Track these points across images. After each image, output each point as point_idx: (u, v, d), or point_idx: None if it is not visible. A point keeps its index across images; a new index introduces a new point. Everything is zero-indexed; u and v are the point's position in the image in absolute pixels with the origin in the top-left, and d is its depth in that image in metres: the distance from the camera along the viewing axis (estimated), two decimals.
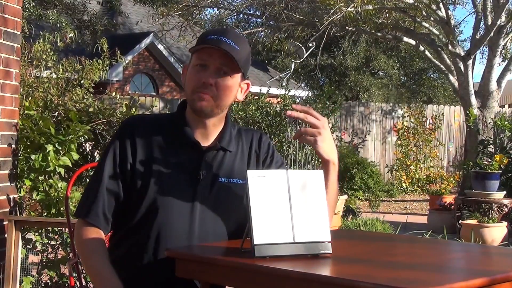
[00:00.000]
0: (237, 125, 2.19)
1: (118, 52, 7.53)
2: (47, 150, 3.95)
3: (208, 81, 1.96)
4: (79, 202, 2.09)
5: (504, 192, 7.97)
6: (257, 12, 13.83)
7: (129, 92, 14.63)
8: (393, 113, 14.63)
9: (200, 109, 2.00)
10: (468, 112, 10.16)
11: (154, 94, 15.35)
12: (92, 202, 2.00)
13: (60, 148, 4.02)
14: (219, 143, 2.05)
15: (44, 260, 4.01)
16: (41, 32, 7.51)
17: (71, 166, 4.13)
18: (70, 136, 4.05)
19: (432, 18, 11.50)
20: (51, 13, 11.62)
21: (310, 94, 12.80)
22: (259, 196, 1.74)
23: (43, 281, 4.00)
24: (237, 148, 2.10)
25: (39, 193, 3.96)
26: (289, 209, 1.75)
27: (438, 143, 14.21)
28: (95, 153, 5.16)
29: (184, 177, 2.00)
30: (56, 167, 3.99)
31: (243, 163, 2.09)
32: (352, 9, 10.19)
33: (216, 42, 1.96)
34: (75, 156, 4.10)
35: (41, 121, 4.07)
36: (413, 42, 11.69)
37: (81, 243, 2.01)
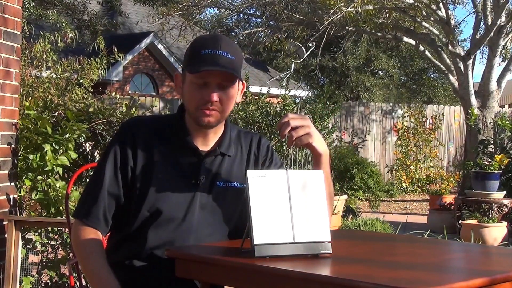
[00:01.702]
0: (236, 127, 2.20)
1: (115, 49, 7.52)
2: (45, 150, 3.95)
3: (212, 98, 1.96)
4: (78, 202, 2.08)
5: (504, 192, 7.96)
6: (257, 12, 13.83)
7: (129, 92, 14.63)
8: (393, 113, 14.63)
9: (207, 126, 2.01)
10: (468, 112, 10.16)
11: (154, 94, 15.36)
12: (92, 204, 2.00)
13: (58, 147, 4.02)
14: (219, 148, 2.07)
15: (44, 260, 4.01)
16: (41, 32, 7.52)
17: (69, 165, 4.12)
18: (67, 135, 4.05)
19: (432, 18, 11.50)
20: (51, 13, 11.62)
21: (310, 94, 12.80)
22: (259, 196, 1.74)
23: (43, 281, 4.00)
24: (236, 152, 2.11)
25: (38, 192, 3.96)
26: (289, 209, 1.75)
27: (438, 143, 14.20)
28: (95, 153, 5.16)
29: (183, 181, 2.01)
30: (54, 166, 3.98)
31: (241, 167, 2.10)
32: (352, 9, 10.19)
33: (213, 58, 1.94)
34: (73, 155, 4.09)
35: (39, 121, 4.07)
36: (413, 42, 11.68)
37: (79, 244, 2.01)
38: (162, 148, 2.02)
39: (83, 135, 4.27)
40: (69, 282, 3.82)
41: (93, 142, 5.08)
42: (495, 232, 7.26)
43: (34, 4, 11.68)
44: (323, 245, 1.74)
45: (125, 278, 1.96)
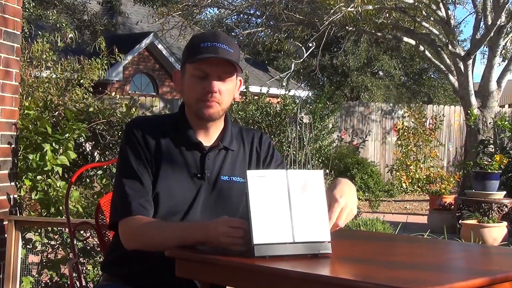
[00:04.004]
0: (238, 125, 2.24)
1: (116, 50, 7.52)
2: (45, 150, 3.95)
3: (213, 89, 2.00)
4: (113, 209, 2.05)
5: (504, 192, 7.96)
6: (257, 12, 13.82)
7: (129, 92, 14.63)
8: (393, 113, 14.63)
9: (208, 117, 2.05)
10: (468, 112, 10.16)
11: (154, 94, 15.36)
12: (130, 202, 1.98)
13: (58, 147, 4.01)
14: (221, 142, 2.10)
15: (44, 260, 4.00)
16: (41, 32, 7.51)
17: (69, 165, 4.12)
18: (67, 135, 4.04)
19: (432, 18, 11.50)
20: (51, 13, 11.63)
21: (310, 94, 12.81)
22: (258, 196, 1.74)
23: (43, 281, 4.00)
24: (239, 147, 2.15)
25: (38, 192, 3.95)
26: (289, 209, 1.75)
27: (438, 143, 14.20)
28: (95, 153, 5.16)
29: (188, 176, 2.05)
30: (54, 166, 3.98)
31: (244, 162, 2.14)
32: (352, 9, 10.19)
33: (213, 50, 1.99)
34: (73, 155, 4.09)
35: (38, 120, 4.06)
36: (413, 42, 11.69)
37: (133, 236, 1.97)
38: (167, 144, 2.06)
39: (83, 134, 4.26)
40: (69, 282, 3.82)
41: (93, 142, 5.08)
42: (495, 232, 7.26)
43: (34, 4, 11.68)
44: (323, 245, 1.74)
45: (129, 273, 2.01)
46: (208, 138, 2.10)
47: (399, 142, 13.81)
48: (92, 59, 7.02)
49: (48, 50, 6.70)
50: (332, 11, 10.19)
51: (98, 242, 3.22)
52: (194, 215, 2.01)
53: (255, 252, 1.69)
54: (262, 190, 1.75)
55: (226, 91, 2.04)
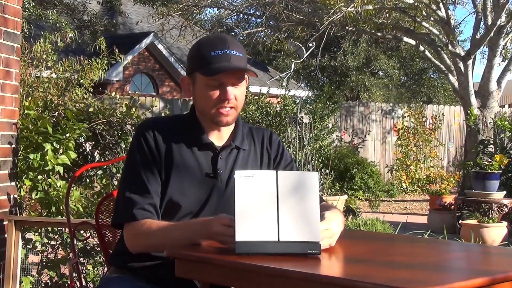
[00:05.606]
0: (247, 124, 2.27)
1: (116, 50, 7.52)
2: (45, 149, 3.95)
3: (229, 97, 2.03)
4: (117, 209, 2.07)
5: (504, 192, 7.96)
6: (257, 12, 13.82)
7: (129, 92, 14.63)
8: (393, 113, 14.63)
9: (226, 124, 2.09)
10: (468, 112, 10.16)
11: (154, 94, 15.36)
12: (136, 204, 2.00)
13: (58, 147, 4.02)
14: (233, 142, 2.13)
15: (44, 260, 4.00)
16: (41, 32, 7.52)
17: (70, 165, 4.12)
18: (68, 135, 4.05)
19: (432, 18, 11.50)
20: (51, 13, 11.63)
21: (310, 94, 12.81)
22: (245, 195, 1.76)
23: (43, 281, 4.00)
24: (250, 146, 2.18)
25: (38, 192, 3.95)
26: (276, 208, 1.76)
27: (438, 143, 14.20)
28: (95, 153, 5.16)
29: (201, 176, 2.07)
30: (55, 166, 3.98)
31: (256, 161, 2.17)
32: (352, 9, 10.19)
33: (225, 58, 2.00)
34: (73, 155, 4.09)
35: (39, 120, 4.07)
36: (413, 42, 11.69)
37: (140, 239, 1.98)
38: (179, 144, 2.08)
39: (83, 134, 4.27)
40: (69, 282, 3.82)
41: (93, 142, 5.08)
42: (495, 232, 7.26)
43: (34, 4, 11.68)
44: (311, 245, 1.73)
45: (138, 266, 2.04)
46: (219, 138, 2.13)
47: (399, 142, 13.81)
48: (92, 59, 7.02)
49: (49, 50, 6.70)
50: (332, 11, 10.19)
51: (98, 242, 3.22)
52: (207, 214, 2.02)
53: (236, 248, 1.70)
54: (250, 189, 1.77)
55: (240, 95, 2.07)
